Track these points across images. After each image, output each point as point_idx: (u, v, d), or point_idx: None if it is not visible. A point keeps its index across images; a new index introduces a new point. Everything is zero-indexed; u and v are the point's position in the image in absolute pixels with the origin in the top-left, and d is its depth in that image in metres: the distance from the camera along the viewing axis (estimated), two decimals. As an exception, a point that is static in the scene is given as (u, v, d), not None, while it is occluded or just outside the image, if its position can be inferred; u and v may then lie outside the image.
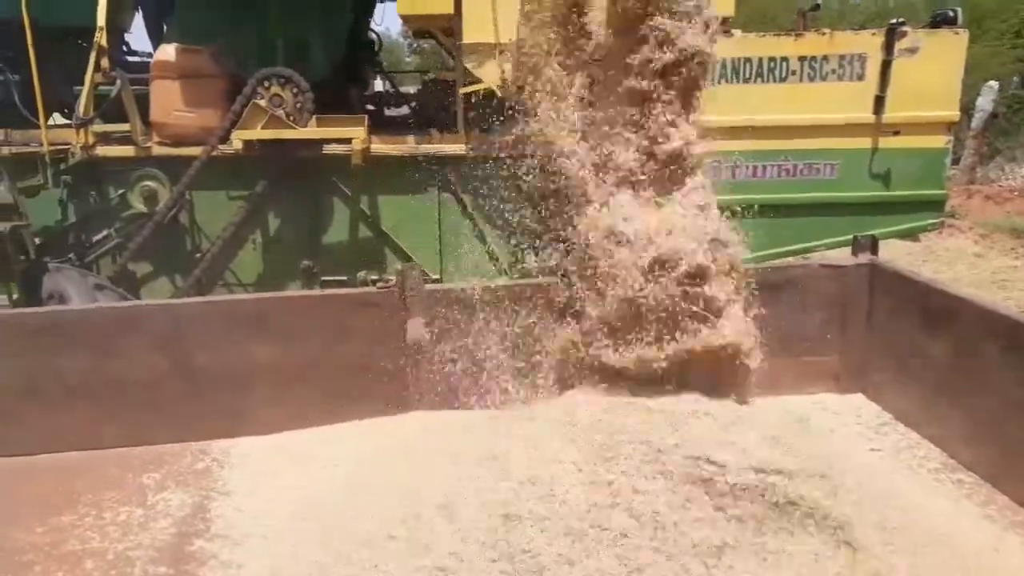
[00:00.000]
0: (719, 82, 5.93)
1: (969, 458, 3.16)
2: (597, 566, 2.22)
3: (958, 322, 3.21)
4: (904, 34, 5.83)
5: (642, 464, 2.41)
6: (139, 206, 5.97)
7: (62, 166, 5.91)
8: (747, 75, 5.96)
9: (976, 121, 14.28)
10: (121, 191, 6.02)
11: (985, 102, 14.15)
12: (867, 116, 5.96)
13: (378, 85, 8.51)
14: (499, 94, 5.47)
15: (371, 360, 3.56)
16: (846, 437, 3.46)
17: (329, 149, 5.91)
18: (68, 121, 6.03)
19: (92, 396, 3.46)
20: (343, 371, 3.55)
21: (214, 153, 5.80)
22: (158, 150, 5.97)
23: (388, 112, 7.45)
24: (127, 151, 5.98)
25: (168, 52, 5.87)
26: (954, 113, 6.07)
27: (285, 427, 3.59)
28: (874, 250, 3.72)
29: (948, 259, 11.08)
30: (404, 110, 7.48)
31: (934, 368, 3.35)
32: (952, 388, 3.25)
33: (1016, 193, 14.48)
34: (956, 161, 13.63)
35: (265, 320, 3.53)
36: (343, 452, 3.37)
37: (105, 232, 6.10)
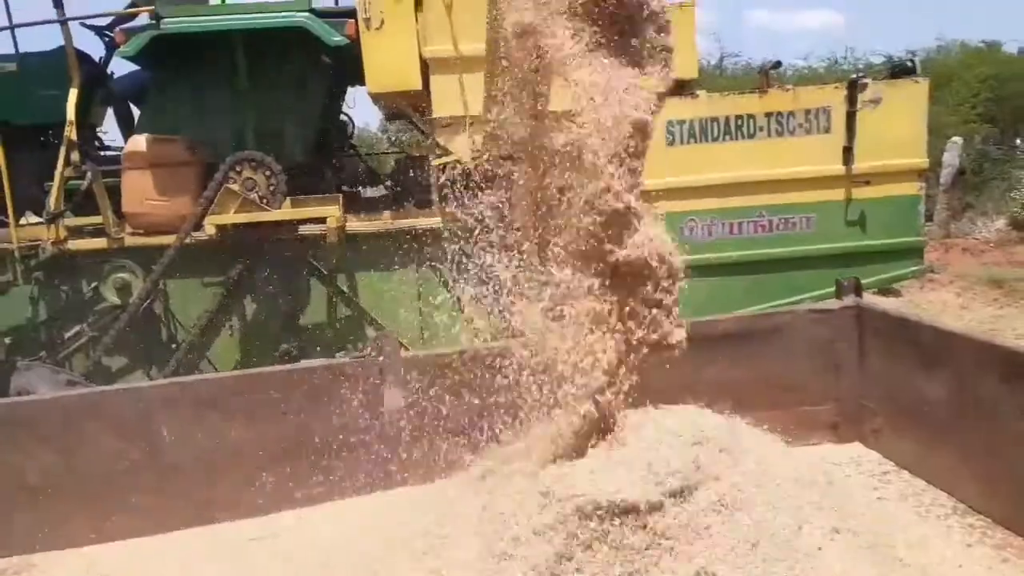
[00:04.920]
0: (687, 142, 6.00)
1: (980, 501, 3.01)
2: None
3: (954, 358, 3.12)
4: (865, 86, 5.94)
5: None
6: (112, 298, 5.87)
7: (32, 262, 5.82)
8: (715, 134, 6.02)
9: (944, 176, 14.54)
10: (93, 284, 5.93)
11: (951, 157, 14.45)
12: (837, 168, 6.01)
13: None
14: (471, 166, 5.49)
15: (350, 434, 3.40)
16: (849, 487, 3.30)
17: (304, 229, 5.87)
18: (40, 219, 5.97)
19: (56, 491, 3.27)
20: (317, 450, 3.38)
21: (187, 240, 5.74)
22: (131, 240, 5.91)
23: (365, 193, 7.45)
24: (99, 243, 5.90)
25: (139, 142, 5.87)
26: (922, 160, 6.13)
27: (261, 512, 3.39)
28: (858, 292, 3.66)
29: (933, 312, 11.04)
30: (381, 190, 7.49)
31: (933, 409, 3.23)
32: (954, 428, 3.13)
33: (992, 245, 14.66)
34: (929, 217, 13.80)
35: (235, 399, 3.38)
36: (319, 537, 3.18)
37: (78, 327, 5.97)
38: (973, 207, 17.13)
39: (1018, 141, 20.55)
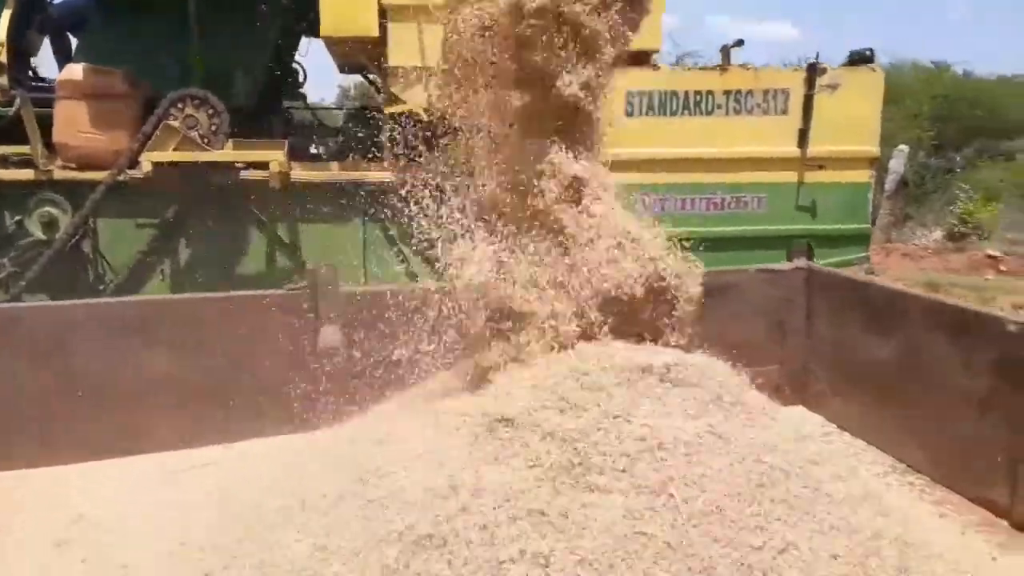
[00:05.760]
0: (646, 114, 5.94)
1: (919, 460, 3.00)
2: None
3: (900, 319, 3.11)
4: (824, 71, 5.97)
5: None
6: (37, 233, 5.54)
7: (-50, 189, 5.46)
8: (673, 108, 5.97)
9: (889, 183, 14.86)
10: (17, 217, 5.58)
11: (897, 164, 14.75)
12: (792, 150, 6.02)
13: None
14: (425, 117, 5.33)
15: (277, 371, 3.23)
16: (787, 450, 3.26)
17: (246, 174, 5.63)
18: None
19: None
20: (244, 383, 3.20)
21: (121, 177, 5.45)
22: (60, 174, 5.59)
23: (313, 148, 7.20)
24: (25, 174, 5.56)
25: (75, 71, 5.55)
26: (875, 149, 6.19)
27: (186, 444, 3.21)
28: (809, 256, 3.62)
29: (871, 311, 11.31)
30: (330, 146, 7.25)
31: (878, 370, 3.22)
32: (896, 389, 3.12)
33: (930, 252, 15.08)
34: (872, 222, 14.07)
35: (158, 326, 3.18)
36: (252, 471, 2.99)
37: (-4, 261, 5.62)
38: (913, 218, 17.61)
39: (957, 158, 21.24)
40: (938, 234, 16.67)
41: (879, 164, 6.61)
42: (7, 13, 5.54)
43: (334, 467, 2.51)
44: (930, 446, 2.94)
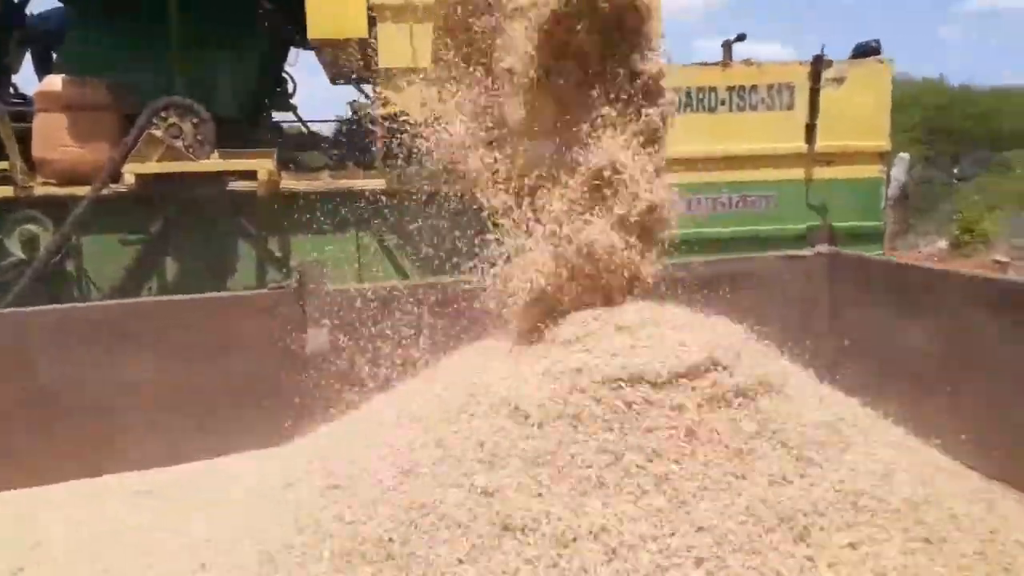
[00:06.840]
0: (648, 113, 5.73)
1: (967, 455, 2.73)
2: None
3: (937, 301, 2.86)
4: (830, 64, 5.78)
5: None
6: (17, 252, 5.30)
7: (-73, 208, 5.23)
8: (676, 106, 5.76)
9: (892, 190, 14.69)
10: (-4, 236, 5.35)
11: (899, 172, 14.63)
12: (799, 145, 5.81)
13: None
14: (418, 118, 5.12)
15: (262, 378, 2.98)
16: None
17: (234, 185, 5.40)
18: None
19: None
20: (228, 392, 2.94)
21: (104, 191, 5.22)
22: (40, 190, 5.36)
23: (301, 156, 6.99)
24: (4, 191, 5.34)
25: (54, 82, 5.35)
26: (885, 143, 5.97)
27: (156, 463, 2.94)
28: (831, 240, 3.39)
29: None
30: (322, 158, 7.05)
31: (912, 358, 2.96)
32: (937, 377, 2.86)
33: (936, 259, 14.88)
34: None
35: (134, 330, 2.93)
36: (219, 495, 2.71)
37: (-27, 283, 5.38)
38: (915, 227, 17.45)
39: (955, 171, 21.16)
40: (942, 243, 16.49)
41: (890, 159, 6.40)
42: (-16, 27, 5.35)
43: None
44: (980, 439, 2.67)
